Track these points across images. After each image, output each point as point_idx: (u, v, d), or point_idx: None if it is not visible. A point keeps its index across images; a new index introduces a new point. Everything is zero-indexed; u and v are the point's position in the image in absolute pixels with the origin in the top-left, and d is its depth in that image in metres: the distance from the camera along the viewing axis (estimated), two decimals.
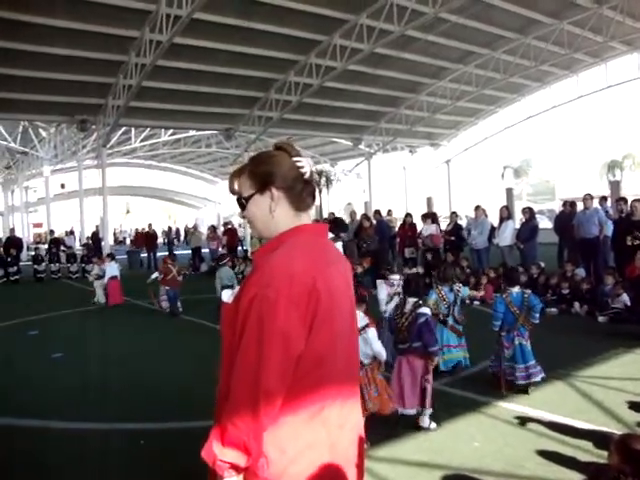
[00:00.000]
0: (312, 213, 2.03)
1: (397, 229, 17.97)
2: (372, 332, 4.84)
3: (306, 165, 1.95)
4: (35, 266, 20.82)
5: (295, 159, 1.94)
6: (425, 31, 18.71)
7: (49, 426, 5.59)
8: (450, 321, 7.07)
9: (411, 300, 5.53)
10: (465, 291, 7.68)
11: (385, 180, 36.82)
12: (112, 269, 13.82)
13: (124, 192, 49.19)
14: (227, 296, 1.94)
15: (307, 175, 1.95)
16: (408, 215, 16.96)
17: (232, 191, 2.01)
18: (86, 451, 5.03)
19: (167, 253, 19.37)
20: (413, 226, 16.48)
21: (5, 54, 16.86)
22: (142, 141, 31.55)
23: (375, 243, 15.68)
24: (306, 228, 1.93)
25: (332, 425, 1.84)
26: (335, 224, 8.26)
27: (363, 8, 17.64)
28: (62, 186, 37.03)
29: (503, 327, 6.27)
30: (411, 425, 5.22)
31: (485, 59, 22.53)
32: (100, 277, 14.05)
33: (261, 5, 16.59)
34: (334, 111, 25.34)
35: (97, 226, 24.62)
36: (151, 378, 7.28)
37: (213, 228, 24.30)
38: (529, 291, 6.47)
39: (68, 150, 29.20)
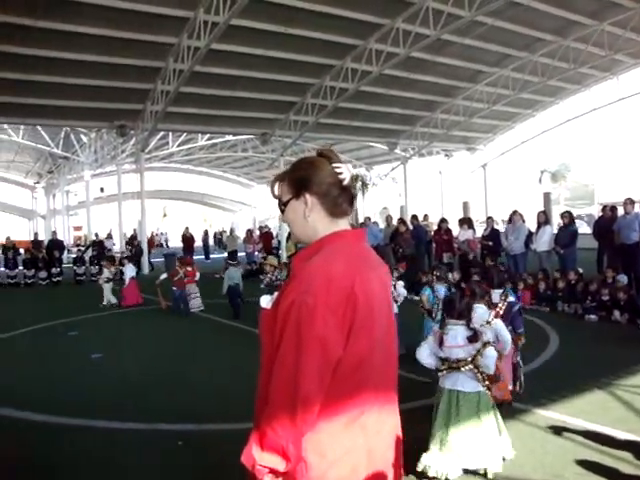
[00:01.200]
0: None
1: (433, 234, 17.90)
2: (498, 323, 5.19)
3: (345, 172, 1.94)
4: (75, 268, 21.23)
5: (334, 165, 1.95)
6: (461, 35, 18.58)
7: (90, 425, 5.68)
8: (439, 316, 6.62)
9: (497, 291, 5.99)
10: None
11: (421, 184, 36.62)
12: (131, 270, 14.49)
13: (161, 196, 49.79)
14: (266, 302, 1.94)
15: (346, 182, 1.95)
16: (443, 220, 16.85)
17: (273, 195, 2.04)
18: (125, 450, 5.11)
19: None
20: (449, 231, 16.35)
21: (49, 63, 17.37)
22: (179, 146, 31.91)
23: (412, 248, 15.62)
24: (344, 234, 1.94)
25: (370, 430, 1.84)
26: None
27: (399, 12, 17.61)
28: (101, 190, 37.63)
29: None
30: None
31: (522, 62, 22.23)
32: (110, 280, 14.53)
33: (297, 10, 16.70)
34: (370, 115, 25.33)
35: (135, 229, 24.98)
36: (186, 379, 7.37)
37: (249, 232, 24.48)
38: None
39: (108, 155, 29.71)
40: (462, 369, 4.36)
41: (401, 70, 20.92)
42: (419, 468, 4.30)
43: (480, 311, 5.00)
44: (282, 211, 2.01)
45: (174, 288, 12.89)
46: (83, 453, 5.04)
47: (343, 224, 1.97)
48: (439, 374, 4.55)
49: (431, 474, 4.28)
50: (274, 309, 1.85)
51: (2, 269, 21.20)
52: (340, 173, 1.94)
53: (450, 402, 4.40)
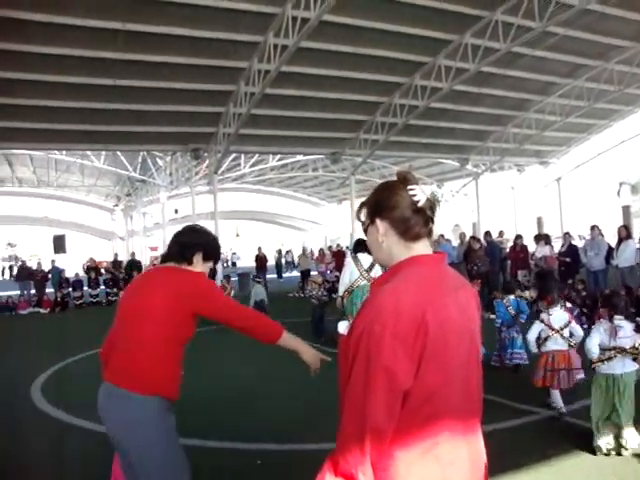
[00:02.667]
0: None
1: (508, 251, 17.53)
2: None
3: (419, 193, 1.91)
4: None
5: (409, 188, 1.92)
6: (532, 46, 18.25)
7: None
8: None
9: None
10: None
11: (493, 200, 35.98)
12: None
13: (233, 216, 50.79)
14: (343, 328, 1.97)
15: (420, 204, 1.91)
16: (519, 237, 16.51)
17: (358, 219, 2.06)
18: (202, 468, 5.18)
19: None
20: (524, 248, 15.99)
21: (130, 91, 18.25)
22: (251, 166, 32.59)
23: (486, 265, 15.35)
24: (420, 259, 1.91)
25: (445, 462, 1.81)
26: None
27: (467, 28, 17.54)
28: (176, 211, 38.78)
29: (503, 324, 8.76)
30: None
31: (597, 71, 21.62)
32: None
33: (365, 30, 16.89)
34: (440, 132, 25.19)
35: None
36: (264, 398, 7.43)
37: (322, 251, 24.68)
38: (521, 299, 9.36)
39: (182, 177, 30.66)
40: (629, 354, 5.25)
41: (470, 85, 20.75)
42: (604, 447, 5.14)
43: None
44: (365, 234, 2.04)
45: None
46: None
47: (421, 247, 1.94)
48: (602, 363, 5.26)
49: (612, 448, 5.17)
50: (348, 336, 1.85)
51: (86, 288, 22.09)
52: (414, 195, 1.91)
53: (615, 384, 5.22)
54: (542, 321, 6.44)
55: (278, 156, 31.09)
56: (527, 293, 13.13)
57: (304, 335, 11.03)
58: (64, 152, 28.51)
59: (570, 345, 6.36)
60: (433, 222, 1.96)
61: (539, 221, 30.06)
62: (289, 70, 17.62)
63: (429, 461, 1.78)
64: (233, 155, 28.18)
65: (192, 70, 17.77)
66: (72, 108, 18.86)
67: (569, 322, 6.41)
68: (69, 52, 16.24)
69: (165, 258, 3.54)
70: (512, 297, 8.95)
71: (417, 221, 1.91)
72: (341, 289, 9.64)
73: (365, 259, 9.23)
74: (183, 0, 14.91)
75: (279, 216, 56.65)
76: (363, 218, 2.03)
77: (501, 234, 20.65)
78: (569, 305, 8.99)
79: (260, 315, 3.69)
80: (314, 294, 12.42)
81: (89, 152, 28.00)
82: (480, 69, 18.51)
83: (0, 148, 21.69)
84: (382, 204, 1.94)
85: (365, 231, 2.03)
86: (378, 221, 1.94)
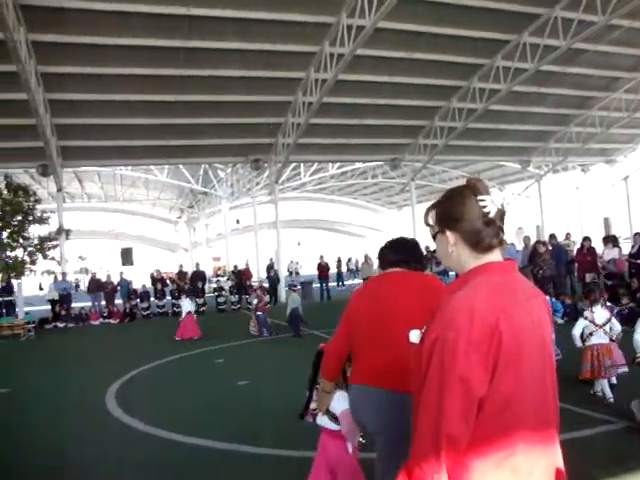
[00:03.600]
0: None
1: (575, 253, 17.05)
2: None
3: (490, 205, 1.85)
4: (217, 297, 22.32)
5: (479, 198, 1.86)
6: (594, 41, 17.78)
7: (239, 450, 5.84)
8: None
9: None
10: None
11: (557, 202, 35.14)
12: (187, 305, 15.01)
13: (294, 225, 51.22)
14: (415, 336, 1.94)
15: (491, 215, 1.85)
16: (586, 239, 16.01)
17: (426, 223, 2.03)
18: (269, 477, 5.25)
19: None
20: (592, 250, 15.52)
21: (192, 105, 18.79)
22: (311, 175, 32.86)
23: (552, 268, 14.97)
24: (491, 266, 1.86)
25: (522, 472, 1.76)
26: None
27: (525, 26, 17.27)
28: (237, 221, 39.42)
29: None
30: None
31: None
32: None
33: (420, 35, 16.88)
34: (500, 134, 24.83)
35: (271, 259, 25.85)
36: None
37: None
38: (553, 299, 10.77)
39: (243, 188, 31.17)
40: None
41: (530, 85, 20.39)
42: None
43: None
44: (433, 239, 2.01)
45: (259, 313, 14.26)
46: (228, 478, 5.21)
47: (493, 256, 1.89)
48: None
49: None
50: (421, 344, 1.84)
51: (152, 299, 22.65)
52: (485, 207, 1.85)
53: None
54: (586, 318, 6.94)
55: (337, 164, 31.23)
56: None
57: None
58: (129, 168, 29.48)
59: (611, 339, 6.83)
60: (504, 232, 1.91)
61: (606, 222, 29.18)
62: (346, 78, 17.74)
63: (505, 471, 1.74)
64: (293, 164, 28.50)
65: (250, 82, 18.13)
66: (135, 125, 19.58)
67: (610, 319, 6.92)
68: (133, 72, 16.88)
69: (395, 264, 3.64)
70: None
71: (488, 233, 1.86)
72: None
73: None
74: (238, 15, 15.31)
75: (339, 223, 56.82)
76: (432, 222, 2.00)
77: (568, 236, 20.09)
78: (608, 304, 9.56)
79: None
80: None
81: (153, 167, 28.84)
82: (540, 68, 18.16)
83: (70, 166, 22.57)
84: (451, 215, 1.90)
85: (434, 237, 1.99)
86: (448, 232, 1.90)
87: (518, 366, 1.74)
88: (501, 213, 1.88)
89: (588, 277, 14.90)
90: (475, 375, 1.68)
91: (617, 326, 7.00)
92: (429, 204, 2.06)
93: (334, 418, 3.80)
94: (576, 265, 16.44)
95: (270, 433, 6.31)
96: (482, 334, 1.69)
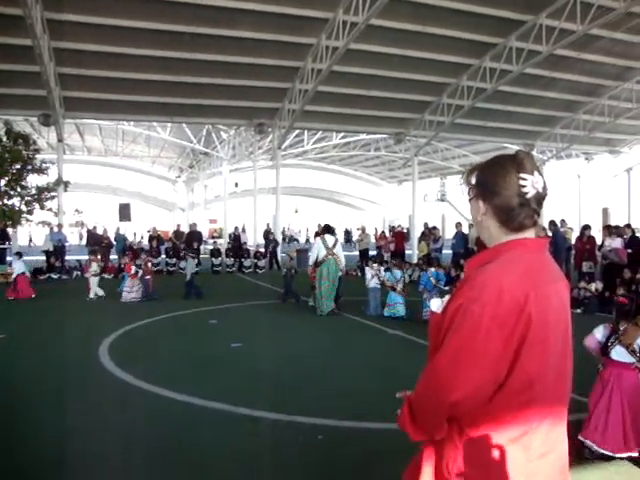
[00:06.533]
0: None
1: (573, 241, 17.06)
2: None
3: (529, 186, 1.78)
4: (212, 259, 22.31)
5: (521, 176, 1.79)
6: (611, 28, 17.55)
7: (237, 412, 5.85)
8: (398, 288, 11.90)
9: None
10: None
11: (558, 189, 35.08)
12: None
13: (293, 192, 51.09)
14: (436, 306, 1.91)
15: (528, 196, 1.79)
16: (586, 227, 15.99)
17: (467, 183, 1.95)
18: (264, 439, 5.26)
19: None
20: (592, 239, 15.51)
21: (198, 65, 18.57)
22: (314, 144, 32.67)
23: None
24: (524, 243, 1.82)
25: (534, 453, 1.75)
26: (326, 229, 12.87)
27: (543, 8, 17.00)
28: (236, 185, 39.23)
29: (425, 289, 11.41)
30: None
31: None
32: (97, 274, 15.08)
33: (435, 8, 16.62)
34: (507, 116, 24.64)
35: (268, 224, 25.79)
36: (323, 374, 7.46)
37: (382, 232, 24.66)
38: (441, 270, 12.13)
39: (245, 151, 30.97)
40: None
41: (542, 69, 20.18)
42: None
43: None
44: (468, 201, 1.96)
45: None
46: (223, 440, 5.21)
47: (527, 234, 1.85)
48: None
49: None
50: (443, 314, 1.82)
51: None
52: (524, 186, 1.79)
53: None
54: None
55: (341, 134, 31.03)
56: (592, 286, 12.80)
57: (355, 311, 11.10)
58: (132, 123, 29.22)
59: None
60: (539, 215, 1.86)
61: (605, 212, 29.16)
62: (356, 48, 17.52)
63: (515, 450, 1.73)
64: (297, 131, 28.30)
65: (260, 45, 17.87)
66: (141, 80, 19.30)
67: None
68: (142, 25, 16.62)
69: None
70: (433, 269, 11.68)
71: (519, 213, 1.80)
72: (311, 262, 12.60)
73: (329, 239, 12.38)
74: None
75: (338, 194, 56.73)
76: (473, 182, 1.91)
77: (563, 223, 20.04)
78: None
79: None
80: (287, 264, 14.73)
81: (155, 123, 28.58)
82: (553, 51, 17.92)
83: (72, 117, 22.33)
84: (488, 185, 1.84)
85: (470, 200, 1.93)
86: (481, 203, 1.85)
87: (544, 346, 1.74)
88: (539, 197, 1.81)
89: (585, 266, 14.93)
90: (492, 349, 1.67)
91: None
92: (471, 165, 1.99)
93: (633, 352, 4.56)
94: (573, 253, 16.46)
95: (265, 396, 6.35)
96: (508, 312, 1.67)
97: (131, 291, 14.09)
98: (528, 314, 1.68)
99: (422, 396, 1.80)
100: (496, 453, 1.74)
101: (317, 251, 12.35)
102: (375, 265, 12.62)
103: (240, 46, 17.85)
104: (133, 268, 14.30)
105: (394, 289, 11.86)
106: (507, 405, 1.73)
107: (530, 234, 1.85)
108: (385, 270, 12.65)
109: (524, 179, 1.79)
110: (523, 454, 1.74)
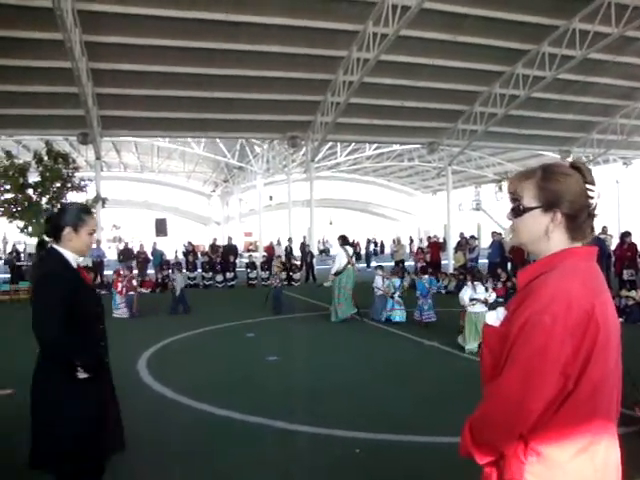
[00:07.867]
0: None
1: (613, 248, 16.74)
2: None
3: (596, 196, 1.80)
4: (248, 272, 22.45)
5: (588, 186, 1.80)
6: None
7: (273, 425, 5.84)
8: (395, 297, 12.65)
9: None
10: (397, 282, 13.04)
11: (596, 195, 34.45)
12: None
13: (327, 204, 51.15)
14: (492, 319, 1.87)
15: (593, 206, 1.81)
16: (627, 234, 15.66)
17: (511, 191, 1.91)
18: (300, 452, 5.25)
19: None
20: (633, 246, 15.19)
21: (230, 80, 18.89)
22: (347, 155, 32.74)
23: None
24: (577, 251, 1.81)
25: (599, 462, 1.73)
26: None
27: (575, 12, 16.81)
28: (270, 198, 39.53)
29: (421, 294, 11.98)
30: None
31: None
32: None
33: (465, 17, 16.60)
34: (541, 123, 24.35)
35: (304, 236, 25.87)
36: (361, 386, 7.42)
37: (419, 248, 24.65)
38: (432, 277, 13.45)
39: (279, 164, 31.20)
40: None
41: (576, 73, 19.92)
42: None
43: None
44: (517, 213, 1.87)
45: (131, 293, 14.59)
46: (259, 452, 5.21)
47: (575, 243, 1.84)
48: None
49: None
50: (504, 327, 1.79)
51: (184, 271, 22.87)
52: (591, 197, 1.80)
53: None
54: None
55: (374, 145, 31.05)
56: (634, 293, 12.53)
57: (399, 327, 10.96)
58: (167, 139, 29.70)
59: None
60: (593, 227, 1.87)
61: None
62: (387, 59, 17.55)
63: (583, 460, 1.71)
64: (330, 143, 28.40)
65: (291, 59, 18.07)
66: (175, 97, 19.66)
67: None
68: (175, 44, 16.95)
69: None
70: (427, 277, 12.65)
71: (589, 223, 1.82)
72: (333, 270, 13.15)
73: (349, 250, 13.29)
74: None
75: (372, 205, 56.64)
76: (525, 195, 1.84)
77: (604, 230, 19.66)
78: None
79: None
80: (275, 274, 15.26)
81: (190, 139, 28.99)
82: (588, 56, 17.68)
83: (109, 135, 22.82)
84: (564, 197, 1.79)
85: (521, 210, 1.85)
86: (559, 214, 1.79)
87: (607, 354, 1.73)
88: (595, 207, 1.83)
89: (626, 274, 14.63)
90: (568, 360, 1.66)
91: None
92: (516, 174, 1.96)
93: None
94: (613, 260, 16.15)
95: (302, 410, 6.34)
96: (579, 320, 1.66)
97: (118, 307, 14.32)
98: (596, 322, 1.68)
99: (492, 414, 1.76)
100: (564, 465, 1.71)
101: (340, 260, 13.14)
102: (380, 271, 13.44)
103: (272, 60, 18.05)
104: (119, 285, 14.57)
105: (392, 297, 12.65)
106: (574, 415, 1.71)
107: (578, 242, 1.84)
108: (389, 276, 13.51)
109: (591, 190, 1.81)
110: (590, 464, 1.72)
